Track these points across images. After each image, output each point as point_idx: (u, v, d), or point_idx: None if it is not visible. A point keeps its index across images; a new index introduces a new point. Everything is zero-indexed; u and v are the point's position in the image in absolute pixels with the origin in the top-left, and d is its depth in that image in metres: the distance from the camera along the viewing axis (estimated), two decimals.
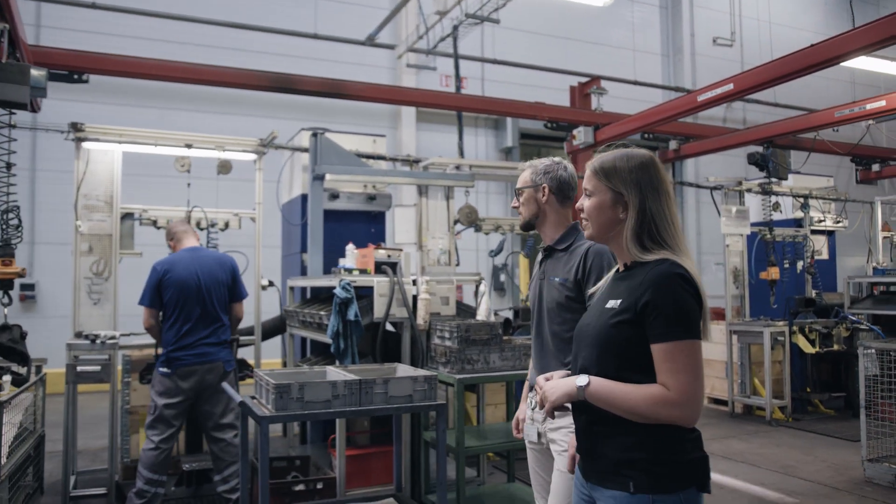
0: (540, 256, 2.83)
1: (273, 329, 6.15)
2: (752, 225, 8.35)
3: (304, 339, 6.17)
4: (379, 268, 4.92)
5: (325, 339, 4.86)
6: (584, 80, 9.04)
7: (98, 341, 4.97)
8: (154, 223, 5.64)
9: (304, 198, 6.47)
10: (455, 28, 8.93)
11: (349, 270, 4.85)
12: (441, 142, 12.11)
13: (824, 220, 9.09)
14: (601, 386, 1.83)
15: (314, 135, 5.95)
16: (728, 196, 8.24)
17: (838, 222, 9.26)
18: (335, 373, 3.87)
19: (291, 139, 6.68)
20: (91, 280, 5.47)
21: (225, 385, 3.97)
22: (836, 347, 7.87)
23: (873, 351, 5.57)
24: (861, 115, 6.55)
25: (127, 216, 5.61)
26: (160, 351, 4.81)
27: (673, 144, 8.67)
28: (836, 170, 13.90)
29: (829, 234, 9.42)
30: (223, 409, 4.49)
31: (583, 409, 1.93)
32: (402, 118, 12.18)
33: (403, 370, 4.02)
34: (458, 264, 6.82)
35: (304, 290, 6.16)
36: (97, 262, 5.48)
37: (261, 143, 5.73)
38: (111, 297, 5.50)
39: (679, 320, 1.77)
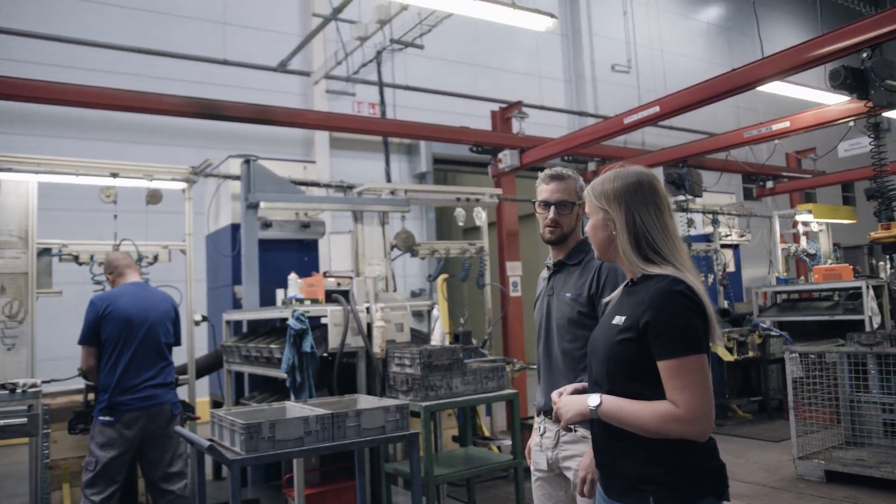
0: (546, 273, 2.78)
1: (207, 366, 5.83)
2: None
3: (238, 376, 5.87)
4: (330, 296, 4.77)
5: (273, 373, 4.65)
6: (502, 105, 9.22)
7: (18, 391, 4.52)
8: (76, 258, 5.24)
9: (234, 227, 6.22)
10: (379, 53, 8.91)
11: (300, 300, 4.66)
12: (355, 168, 11.97)
13: (730, 235, 9.64)
14: (612, 405, 1.86)
15: (246, 162, 5.74)
16: None
17: (742, 236, 9.85)
18: (298, 408, 3.70)
19: (217, 167, 6.41)
20: (4, 323, 5.00)
21: (180, 429, 3.70)
22: (751, 354, 8.31)
23: (797, 355, 5.92)
24: (768, 135, 7.03)
25: (44, 252, 5.19)
26: (92, 397, 4.46)
27: (592, 166, 8.98)
28: (726, 187, 14.80)
29: (735, 247, 9.99)
30: (171, 457, 4.18)
31: (598, 426, 1.96)
32: (316, 145, 11.96)
33: (367, 401, 3.90)
34: (395, 290, 6.73)
35: (237, 324, 5.88)
36: (10, 304, 5.03)
37: (193, 171, 5.46)
38: (27, 341, 5.06)
39: (681, 337, 1.79)
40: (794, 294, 9.13)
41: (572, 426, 2.04)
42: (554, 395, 2.08)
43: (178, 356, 5.46)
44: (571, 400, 1.97)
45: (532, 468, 2.70)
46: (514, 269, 8.80)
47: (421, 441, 4.15)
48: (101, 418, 4.02)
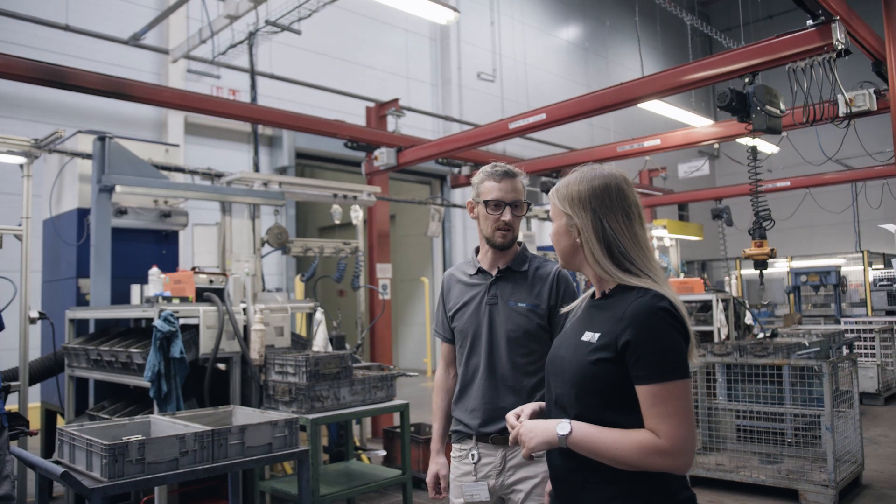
0: (470, 278, 2.51)
1: (43, 371, 5.05)
2: (539, 249, 8.86)
3: (80, 383, 5.13)
4: (201, 295, 4.26)
5: (133, 381, 4.08)
6: (372, 103, 8.94)
7: None
8: None
9: (80, 212, 5.47)
10: (251, 35, 8.28)
11: (167, 298, 4.12)
12: (211, 157, 11.13)
13: None
14: (585, 434, 1.65)
15: (101, 139, 5.05)
16: None
17: None
18: (168, 423, 3.23)
19: (63, 142, 5.60)
20: None
21: (19, 450, 3.08)
22: None
23: None
24: (640, 150, 7.28)
25: None
26: None
27: (465, 170, 8.91)
28: None
29: None
30: None
31: (561, 454, 1.75)
32: (169, 129, 10.99)
33: (246, 414, 3.49)
34: (264, 289, 6.24)
35: (82, 323, 5.14)
36: None
37: (35, 145, 4.70)
38: None
39: (665, 360, 1.61)
40: None
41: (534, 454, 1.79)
42: (510, 417, 1.82)
43: (10, 358, 4.72)
44: (536, 426, 1.72)
45: (465, 501, 2.36)
46: (384, 272, 8.55)
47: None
48: None
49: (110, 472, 2.68)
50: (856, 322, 11.85)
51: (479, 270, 2.51)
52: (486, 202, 2.41)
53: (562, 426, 1.67)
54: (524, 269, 2.44)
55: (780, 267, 17.34)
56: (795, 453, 5.79)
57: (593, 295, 1.89)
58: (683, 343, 1.65)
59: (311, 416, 3.79)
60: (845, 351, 8.94)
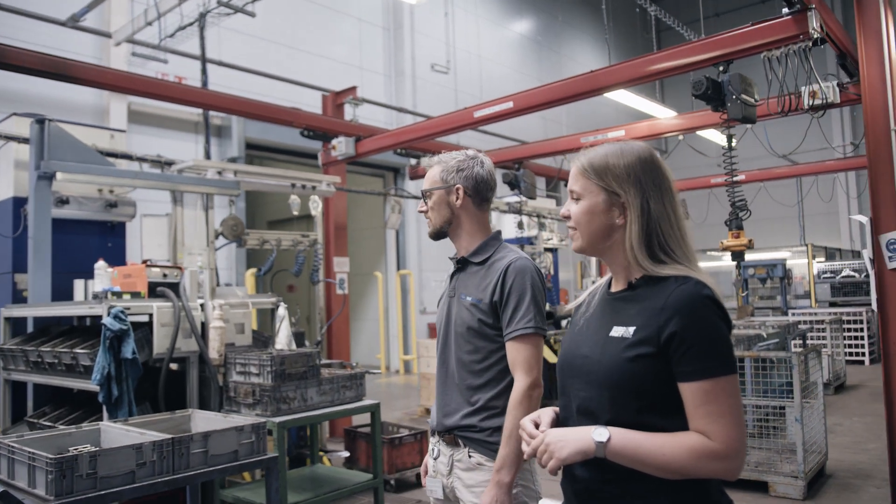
0: (452, 271, 2.37)
1: None
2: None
3: (17, 387, 4.73)
4: (154, 290, 3.94)
5: (79, 385, 3.75)
6: (325, 92, 8.62)
7: None
8: None
9: (16, 202, 5.07)
10: (202, 16, 7.86)
11: (117, 294, 3.79)
12: (156, 147, 10.60)
13: (552, 239, 9.87)
14: (626, 440, 1.47)
15: (39, 122, 4.66)
16: None
17: (563, 241, 10.13)
18: (120, 431, 2.95)
19: None
20: None
21: None
22: None
23: None
24: (604, 142, 7.17)
25: None
26: None
27: (425, 161, 8.70)
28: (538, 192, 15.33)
29: (554, 251, 10.26)
30: None
31: (589, 465, 1.55)
32: (111, 116, 10.43)
33: (206, 418, 3.23)
34: (218, 284, 5.91)
35: (20, 322, 4.74)
36: None
37: None
38: None
39: (717, 353, 1.47)
40: None
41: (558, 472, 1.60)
42: (527, 424, 1.61)
43: None
44: (567, 434, 1.52)
45: (429, 496, 2.33)
46: (341, 266, 8.27)
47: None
48: None
49: (57, 489, 2.40)
50: (802, 313, 12.14)
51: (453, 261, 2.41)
52: None
53: (598, 432, 1.47)
54: (480, 259, 2.28)
55: (727, 260, 17.70)
56: (759, 445, 5.78)
57: (609, 286, 1.71)
58: (729, 334, 1.50)
59: (277, 420, 3.53)
60: (794, 344, 9.10)
